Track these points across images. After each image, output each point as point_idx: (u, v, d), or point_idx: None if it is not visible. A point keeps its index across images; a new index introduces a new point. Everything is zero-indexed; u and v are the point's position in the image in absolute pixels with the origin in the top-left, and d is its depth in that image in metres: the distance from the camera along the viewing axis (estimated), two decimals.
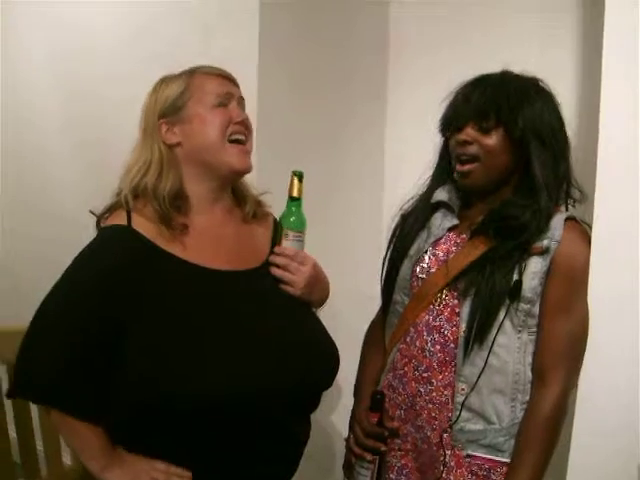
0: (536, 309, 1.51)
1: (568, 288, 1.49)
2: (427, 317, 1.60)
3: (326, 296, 1.72)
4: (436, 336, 1.58)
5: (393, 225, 1.75)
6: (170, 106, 1.56)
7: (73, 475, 2.11)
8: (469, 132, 1.55)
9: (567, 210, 1.61)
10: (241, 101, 1.62)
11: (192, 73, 1.60)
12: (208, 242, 1.57)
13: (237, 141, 1.57)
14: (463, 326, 1.53)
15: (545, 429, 1.47)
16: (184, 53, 2.18)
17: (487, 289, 1.49)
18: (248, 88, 1.69)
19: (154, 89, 1.61)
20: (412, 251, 1.67)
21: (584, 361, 1.48)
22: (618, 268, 1.44)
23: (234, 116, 1.56)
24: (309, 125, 2.37)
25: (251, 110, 1.65)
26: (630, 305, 1.42)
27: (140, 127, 1.60)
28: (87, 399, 1.46)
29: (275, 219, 1.71)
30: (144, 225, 1.52)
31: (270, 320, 1.54)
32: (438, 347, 1.58)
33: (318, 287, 1.65)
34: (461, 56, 2.38)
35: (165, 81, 1.61)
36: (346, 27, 2.55)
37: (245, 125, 1.59)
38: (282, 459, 1.60)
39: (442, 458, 1.54)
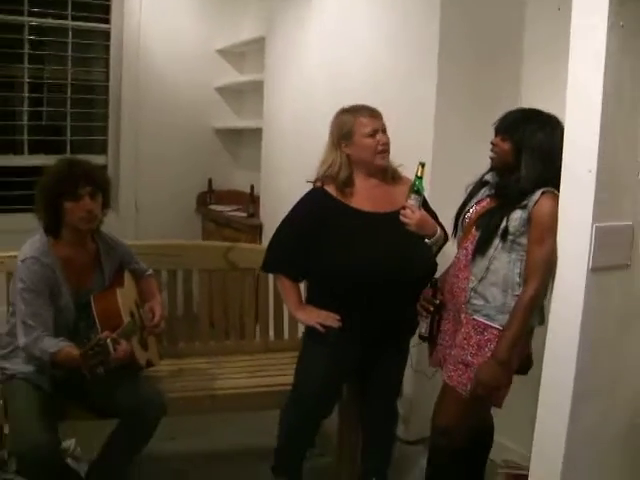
0: (520, 239, 2.63)
1: (539, 229, 2.57)
2: (465, 242, 2.84)
3: (431, 234, 2.98)
4: (464, 252, 2.82)
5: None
6: (346, 132, 3.00)
7: None
8: (495, 139, 2.77)
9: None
10: (384, 128, 3.00)
11: (355, 112, 3.02)
12: (364, 198, 2.99)
13: (381, 153, 2.98)
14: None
15: (523, 309, 2.59)
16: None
17: (486, 226, 2.71)
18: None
19: (338, 115, 3.07)
20: (468, 206, 2.91)
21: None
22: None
23: (380, 142, 2.97)
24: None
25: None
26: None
27: (330, 137, 3.07)
28: (294, 270, 3.04)
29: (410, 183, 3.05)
30: (329, 188, 3.00)
31: (393, 238, 2.93)
32: (463, 258, 2.81)
33: (425, 228, 2.96)
34: None
35: (344, 113, 3.06)
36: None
37: (386, 144, 2.99)
38: (402, 318, 3.01)
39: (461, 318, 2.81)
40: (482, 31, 3.72)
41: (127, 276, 3.23)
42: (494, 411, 3.02)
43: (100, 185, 3.05)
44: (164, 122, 6.14)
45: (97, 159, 5.68)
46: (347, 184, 3.00)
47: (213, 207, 6.22)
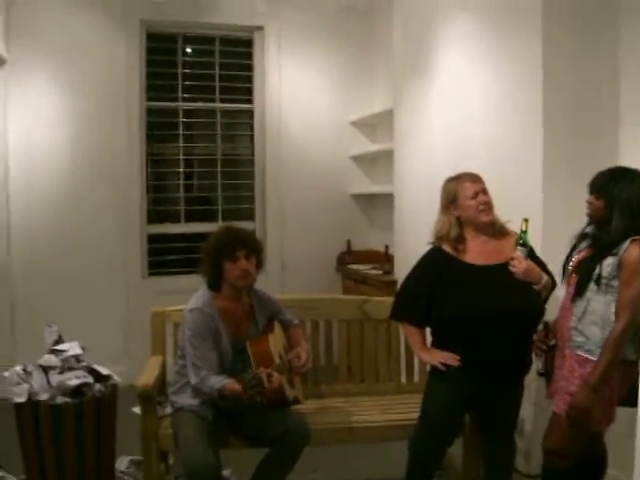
0: (613, 282, 3.04)
1: (628, 272, 2.99)
2: (569, 287, 3.27)
3: (537, 281, 3.40)
4: (567, 295, 3.23)
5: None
6: (452, 197, 3.50)
7: None
8: (590, 197, 3.21)
9: None
10: (485, 190, 3.49)
11: (458, 179, 3.53)
12: (476, 253, 3.47)
13: (483, 211, 3.46)
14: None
15: (613, 341, 2.98)
16: None
17: (583, 272, 3.14)
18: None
19: (445, 184, 3.59)
20: (572, 256, 3.34)
21: None
22: None
23: (481, 202, 3.44)
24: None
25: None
26: None
27: (440, 203, 3.58)
28: (417, 317, 3.54)
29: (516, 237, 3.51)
30: (445, 247, 3.50)
31: (504, 286, 3.39)
32: (567, 301, 3.23)
33: (532, 275, 3.39)
34: None
35: (449, 181, 3.57)
36: None
37: (487, 202, 3.45)
38: (514, 358, 3.45)
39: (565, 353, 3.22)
40: (580, 100, 4.15)
41: (277, 326, 3.80)
42: (611, 445, 3.40)
43: (254, 248, 3.67)
44: (305, 189, 6.81)
45: (246, 225, 6.27)
46: (459, 241, 3.50)
47: (352, 266, 6.77)
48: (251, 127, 6.89)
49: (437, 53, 5.33)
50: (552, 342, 3.34)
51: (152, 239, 6.54)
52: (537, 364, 3.43)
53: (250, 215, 6.84)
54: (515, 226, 3.52)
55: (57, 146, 6.11)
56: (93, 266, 6.15)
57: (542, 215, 4.04)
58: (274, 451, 3.52)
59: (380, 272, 6.26)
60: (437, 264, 3.52)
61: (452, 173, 3.69)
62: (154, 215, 6.58)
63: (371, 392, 4.27)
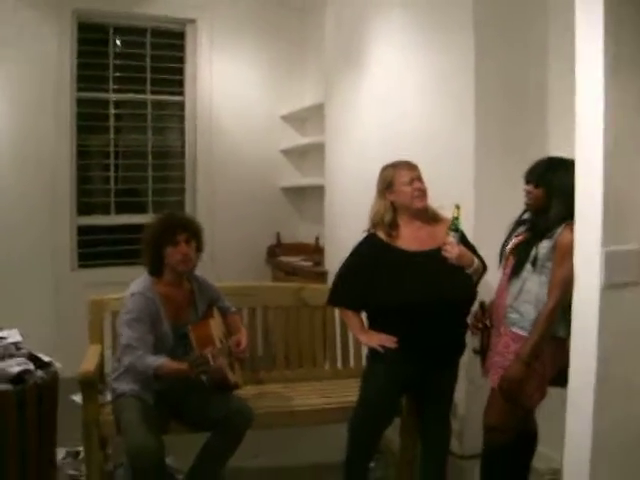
0: (548, 264, 3.22)
1: (560, 254, 3.18)
2: (505, 269, 3.45)
3: (469, 265, 3.57)
4: (504, 277, 3.42)
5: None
6: (388, 183, 3.64)
7: None
8: (528, 186, 3.39)
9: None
10: (420, 177, 3.64)
11: (395, 166, 3.67)
12: (410, 239, 3.62)
13: (418, 197, 3.60)
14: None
15: (544, 318, 3.17)
16: None
17: (520, 254, 3.32)
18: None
19: (382, 170, 3.73)
20: (509, 240, 3.52)
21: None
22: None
23: (415, 189, 3.59)
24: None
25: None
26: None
27: (377, 189, 3.72)
28: (355, 303, 3.68)
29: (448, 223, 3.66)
30: (380, 233, 3.64)
31: (437, 270, 3.54)
32: (503, 281, 3.41)
33: (464, 260, 3.55)
34: None
35: (386, 168, 3.71)
36: None
37: (421, 189, 3.60)
38: (450, 339, 3.61)
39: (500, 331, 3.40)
40: (512, 90, 4.39)
41: (216, 312, 3.89)
42: (542, 422, 3.62)
43: (194, 232, 3.76)
44: (236, 182, 6.90)
45: None
46: (392, 227, 3.66)
47: (282, 258, 6.89)
48: (182, 119, 6.95)
49: (369, 47, 5.50)
50: (487, 321, 3.50)
51: (82, 231, 6.53)
52: (473, 343, 3.59)
53: (180, 207, 6.87)
54: (447, 213, 3.68)
55: None
56: (20, 257, 6.06)
57: (474, 202, 4.24)
58: (216, 434, 3.60)
59: (310, 263, 6.40)
60: (372, 250, 3.66)
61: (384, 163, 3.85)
62: (83, 206, 6.57)
63: (309, 377, 4.41)
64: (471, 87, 4.34)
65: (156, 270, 3.73)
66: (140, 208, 6.81)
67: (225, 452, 3.63)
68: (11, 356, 3.68)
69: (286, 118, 7.20)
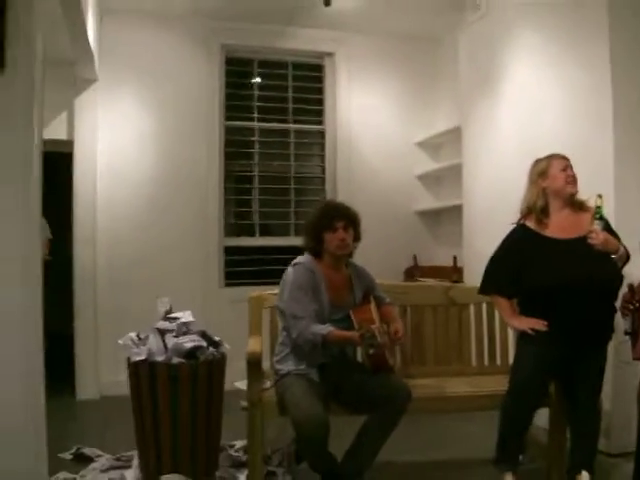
0: None
1: None
2: None
3: (615, 251, 3.77)
4: None
5: None
6: (542, 171, 3.93)
7: None
8: None
9: None
10: (571, 166, 3.91)
11: (549, 157, 3.96)
12: (558, 227, 3.88)
13: (570, 183, 3.87)
14: None
15: None
16: None
17: None
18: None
19: (534, 163, 4.04)
20: None
21: None
22: None
23: (568, 175, 3.88)
24: None
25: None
26: None
27: (529, 178, 4.01)
28: (505, 290, 3.95)
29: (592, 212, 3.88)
30: (529, 223, 3.92)
31: (584, 256, 3.76)
32: None
33: (609, 246, 3.75)
34: None
35: (539, 160, 4.00)
36: None
37: (573, 176, 3.88)
38: (597, 321, 3.82)
39: None
40: None
41: (372, 300, 4.19)
42: None
43: (352, 220, 4.09)
44: (373, 206, 7.18)
45: None
46: (544, 213, 3.93)
47: (420, 279, 7.14)
48: (322, 147, 7.42)
49: (504, 70, 5.87)
50: (637, 303, 3.68)
51: (228, 251, 7.01)
52: (624, 324, 3.78)
53: None
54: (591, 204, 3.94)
55: (142, 163, 6.64)
56: (173, 276, 6.56)
57: (613, 206, 4.44)
58: (377, 412, 3.81)
59: (449, 283, 6.62)
60: (522, 239, 3.95)
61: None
62: (231, 228, 7.08)
63: (457, 373, 4.64)
64: (609, 99, 4.63)
65: (316, 253, 4.07)
66: (283, 231, 7.27)
67: (385, 429, 3.82)
68: (185, 333, 4.09)
69: (421, 144, 7.57)
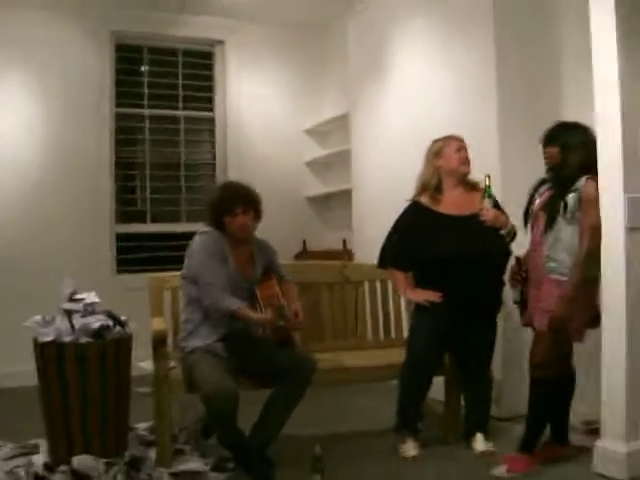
0: (577, 214, 3.71)
1: (587, 204, 3.69)
2: (537, 224, 3.93)
3: (504, 226, 4.08)
4: (537, 230, 3.90)
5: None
6: (437, 151, 4.21)
7: None
8: (546, 149, 3.91)
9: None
10: (465, 148, 4.19)
11: (445, 138, 4.23)
12: (451, 204, 4.15)
13: (464, 163, 4.15)
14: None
15: (580, 260, 3.66)
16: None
17: (551, 208, 3.80)
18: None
19: (432, 143, 4.29)
20: (534, 200, 4.01)
21: None
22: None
23: (462, 157, 4.16)
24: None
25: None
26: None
27: (425, 157, 4.27)
28: (402, 263, 4.20)
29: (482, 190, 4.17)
30: (423, 199, 4.18)
31: (475, 232, 4.04)
32: (537, 236, 3.89)
33: (499, 221, 4.06)
34: None
35: (436, 140, 4.27)
36: None
37: (467, 158, 4.17)
38: (488, 293, 4.13)
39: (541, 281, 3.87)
40: (530, 79, 5.00)
41: (273, 276, 4.31)
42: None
43: (251, 202, 4.19)
44: (263, 193, 7.26)
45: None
46: (437, 191, 4.21)
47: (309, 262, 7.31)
48: (212, 134, 7.54)
49: (393, 56, 6.16)
50: (524, 274, 3.98)
51: (120, 238, 7.03)
52: (513, 294, 4.07)
53: None
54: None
55: (30, 150, 6.55)
56: (64, 264, 6.39)
57: (500, 177, 4.73)
58: (283, 383, 3.94)
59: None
60: (416, 215, 4.22)
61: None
62: (122, 215, 7.11)
63: (354, 347, 4.87)
64: (493, 80, 4.95)
65: (219, 227, 4.14)
66: (174, 217, 7.36)
67: (291, 401, 3.96)
68: (92, 313, 4.12)
69: (309, 132, 7.79)
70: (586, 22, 3.86)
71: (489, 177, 4.10)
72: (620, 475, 3.66)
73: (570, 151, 3.83)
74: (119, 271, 6.98)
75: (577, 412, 4.25)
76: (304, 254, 7.55)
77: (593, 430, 4.21)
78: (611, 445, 3.72)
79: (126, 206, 7.22)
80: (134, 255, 7.05)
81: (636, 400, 3.69)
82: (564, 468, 3.92)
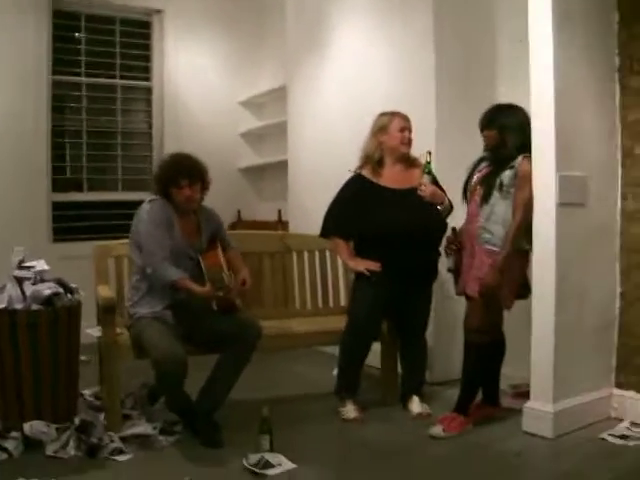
0: (512, 190, 3.97)
1: (521, 180, 3.96)
2: (474, 197, 4.16)
3: (441, 202, 4.32)
4: (474, 204, 4.14)
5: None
6: (382, 126, 4.39)
7: None
8: (484, 132, 4.15)
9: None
10: (410, 128, 4.39)
11: (392, 114, 4.41)
12: (391, 178, 4.37)
13: (405, 144, 4.35)
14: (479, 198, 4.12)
15: (512, 233, 3.92)
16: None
17: (488, 182, 4.06)
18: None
19: (378, 116, 4.48)
20: (473, 175, 4.24)
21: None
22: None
23: (404, 137, 4.36)
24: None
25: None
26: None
27: (371, 130, 4.45)
28: (344, 232, 4.42)
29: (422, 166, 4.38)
30: (365, 172, 4.39)
31: (413, 206, 4.26)
32: (474, 208, 4.13)
33: (436, 197, 4.29)
34: None
35: (383, 114, 4.45)
36: None
37: (409, 138, 4.38)
38: (425, 264, 4.36)
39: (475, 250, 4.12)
40: (466, 55, 5.25)
41: (219, 244, 4.39)
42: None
43: (197, 175, 4.23)
44: None
45: (142, 195, 6.89)
46: (379, 164, 4.41)
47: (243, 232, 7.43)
48: (149, 103, 7.60)
49: (331, 30, 6.31)
50: (459, 244, 4.22)
51: (57, 207, 7.05)
52: (448, 263, 4.31)
53: (148, 186, 7.38)
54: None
55: None
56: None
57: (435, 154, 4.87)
58: (230, 349, 4.09)
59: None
60: (358, 187, 4.42)
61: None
62: (59, 183, 7.11)
63: (294, 315, 5.09)
64: (431, 58, 5.16)
65: (166, 197, 4.23)
66: (110, 186, 7.43)
67: (238, 365, 4.12)
68: (42, 281, 4.21)
69: (244, 103, 7.91)
70: (523, 2, 4.08)
71: (430, 154, 4.31)
72: (547, 433, 3.98)
73: (507, 132, 4.06)
74: (55, 240, 6.99)
75: (505, 376, 4.50)
76: (239, 224, 7.69)
77: (520, 394, 4.52)
78: (540, 405, 4.03)
79: (62, 174, 7.22)
80: (71, 224, 7.08)
81: (562, 364, 4.00)
82: (496, 427, 4.22)
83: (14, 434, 3.90)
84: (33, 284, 4.16)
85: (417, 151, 4.46)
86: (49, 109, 6.90)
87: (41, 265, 4.30)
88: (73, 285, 4.32)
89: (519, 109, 4.12)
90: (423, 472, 3.66)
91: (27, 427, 3.92)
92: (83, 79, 7.20)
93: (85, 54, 7.21)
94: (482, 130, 4.21)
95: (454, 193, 4.38)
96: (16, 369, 4.02)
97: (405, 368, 4.63)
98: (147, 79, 7.57)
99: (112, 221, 7.01)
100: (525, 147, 4.01)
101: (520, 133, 4.02)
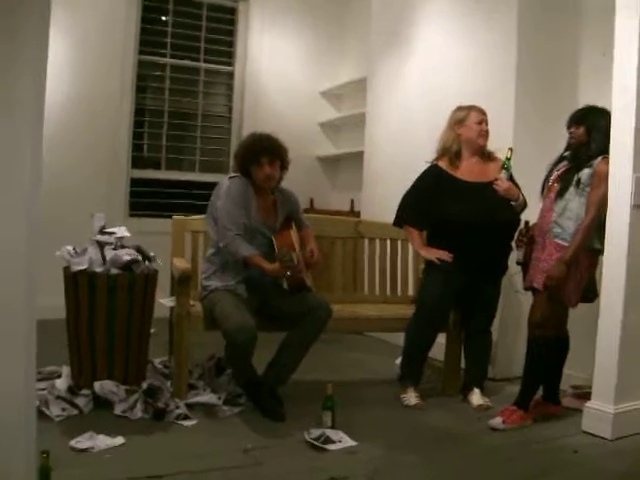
0: (587, 189, 4.02)
1: (597, 179, 4.01)
2: (550, 193, 4.21)
3: (516, 199, 4.39)
4: (549, 199, 4.19)
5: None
6: (460, 119, 4.48)
7: None
8: (571, 128, 4.20)
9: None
10: (487, 121, 4.47)
11: (470, 107, 4.51)
12: (467, 171, 4.45)
13: (482, 136, 4.44)
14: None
15: (582, 231, 3.97)
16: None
17: (565, 178, 4.12)
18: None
19: (455, 110, 4.57)
20: (552, 173, 4.30)
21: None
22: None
23: (482, 129, 4.46)
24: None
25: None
26: None
27: (447, 123, 4.55)
28: (418, 222, 4.53)
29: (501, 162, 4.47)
30: (442, 163, 4.48)
31: (487, 199, 4.35)
32: (549, 203, 4.18)
33: (511, 193, 4.37)
34: None
35: (460, 108, 4.55)
36: None
37: (486, 131, 4.47)
38: (494, 257, 4.46)
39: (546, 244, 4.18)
40: (548, 61, 5.28)
41: (293, 225, 4.59)
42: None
43: (277, 154, 4.36)
44: None
45: (219, 177, 7.08)
46: (456, 157, 4.50)
47: None
48: (231, 88, 7.80)
49: (416, 27, 6.40)
50: (531, 238, 4.27)
51: (134, 183, 7.32)
52: (517, 255, 4.38)
53: (226, 168, 7.61)
54: (501, 155, 4.53)
55: (56, 91, 6.61)
56: (81, 205, 6.49)
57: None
58: (300, 327, 4.21)
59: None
60: (434, 178, 4.51)
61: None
62: (138, 161, 7.38)
63: (362, 300, 5.20)
64: (513, 60, 5.22)
65: (247, 175, 4.37)
66: (189, 166, 7.64)
67: (306, 342, 4.25)
68: (122, 247, 4.40)
69: (324, 94, 8.07)
70: (610, 8, 4.12)
71: (511, 150, 4.40)
72: (606, 434, 4.00)
73: (595, 132, 4.12)
74: (131, 214, 7.24)
75: (567, 377, 4.56)
76: (311, 212, 7.80)
77: (581, 395, 4.54)
78: (600, 406, 4.06)
79: (140, 152, 7.48)
80: (147, 200, 7.33)
81: (627, 365, 4.02)
82: (555, 425, 4.26)
83: (85, 392, 4.10)
84: (114, 249, 4.34)
85: (493, 147, 4.57)
86: (134, 88, 7.17)
87: (122, 232, 4.48)
88: (151, 254, 4.49)
89: (609, 115, 4.16)
90: (482, 460, 3.73)
91: (97, 386, 4.11)
92: (168, 60, 7.43)
93: (171, 36, 7.44)
94: (570, 126, 4.25)
95: (529, 190, 4.45)
96: (91, 329, 4.21)
97: (469, 360, 4.70)
98: (230, 64, 7.77)
99: (187, 200, 7.24)
100: (607, 151, 4.05)
101: (606, 137, 4.06)
